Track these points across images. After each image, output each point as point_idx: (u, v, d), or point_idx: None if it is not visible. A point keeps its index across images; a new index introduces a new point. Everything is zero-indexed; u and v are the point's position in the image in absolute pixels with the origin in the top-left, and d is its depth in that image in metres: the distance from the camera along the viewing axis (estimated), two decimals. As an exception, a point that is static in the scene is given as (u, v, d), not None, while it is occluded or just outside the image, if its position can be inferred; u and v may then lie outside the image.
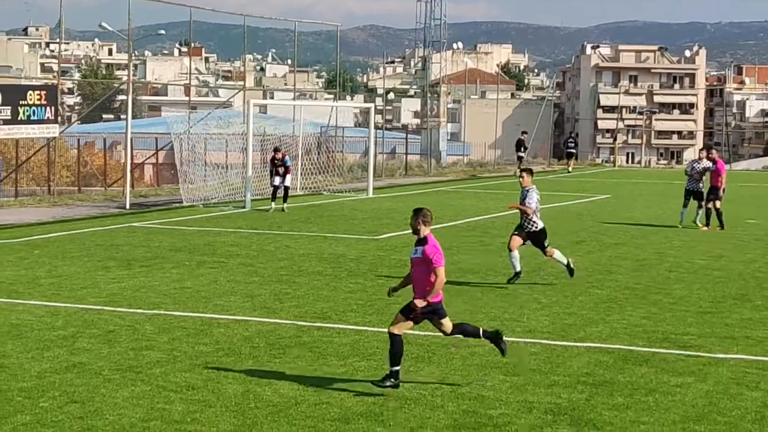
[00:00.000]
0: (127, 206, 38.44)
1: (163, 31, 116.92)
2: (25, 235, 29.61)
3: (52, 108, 40.34)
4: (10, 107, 38.29)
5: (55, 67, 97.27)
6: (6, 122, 38.29)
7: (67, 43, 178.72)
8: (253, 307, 18.56)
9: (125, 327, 16.63)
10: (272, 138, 45.40)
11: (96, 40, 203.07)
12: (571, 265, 21.64)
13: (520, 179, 21.57)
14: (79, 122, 79.75)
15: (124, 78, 71.38)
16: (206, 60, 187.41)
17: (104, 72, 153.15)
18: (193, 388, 13.04)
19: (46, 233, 30.20)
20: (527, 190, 21.34)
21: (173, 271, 22.72)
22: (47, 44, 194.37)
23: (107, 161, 56.40)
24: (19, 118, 38.75)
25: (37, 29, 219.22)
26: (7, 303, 18.71)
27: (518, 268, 21.32)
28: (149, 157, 56.34)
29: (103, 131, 74.76)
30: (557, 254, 21.65)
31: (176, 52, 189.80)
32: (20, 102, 38.92)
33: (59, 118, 42.13)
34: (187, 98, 58.67)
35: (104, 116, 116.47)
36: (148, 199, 42.68)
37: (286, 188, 37.75)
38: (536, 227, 21.40)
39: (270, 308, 18.48)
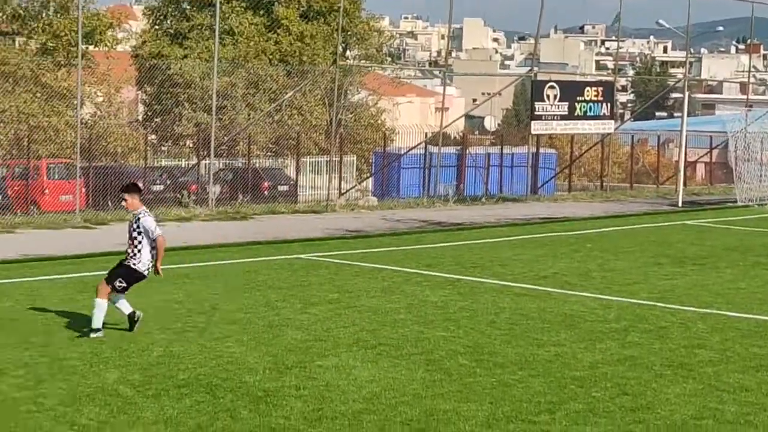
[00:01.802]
0: (680, 204, 38.17)
1: (721, 28, 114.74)
2: (578, 229, 30.17)
3: (608, 105, 40.84)
4: (567, 103, 39.19)
5: (610, 65, 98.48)
6: (563, 117, 39.23)
7: (623, 41, 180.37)
8: (811, 312, 17.76)
9: (677, 324, 16.44)
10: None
11: (651, 37, 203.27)
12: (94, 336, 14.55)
13: (124, 203, 14.88)
14: (632, 119, 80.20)
15: (679, 76, 70.91)
16: (764, 57, 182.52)
17: (658, 69, 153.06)
18: (747, 390, 12.63)
19: (598, 228, 30.61)
20: (139, 216, 14.75)
21: (727, 271, 22.23)
22: (602, 42, 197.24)
23: (659, 159, 56.26)
24: (575, 114, 39.57)
25: (593, 27, 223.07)
26: (560, 293, 19.10)
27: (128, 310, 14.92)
28: (702, 156, 55.60)
29: (656, 129, 74.71)
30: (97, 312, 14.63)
31: (733, 49, 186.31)
32: (577, 98, 39.72)
33: (614, 115, 42.52)
34: (743, 96, 57.28)
35: (657, 114, 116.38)
36: (701, 198, 42.22)
37: None
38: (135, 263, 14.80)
39: (829, 314, 17.61)
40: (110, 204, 33.14)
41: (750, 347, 14.92)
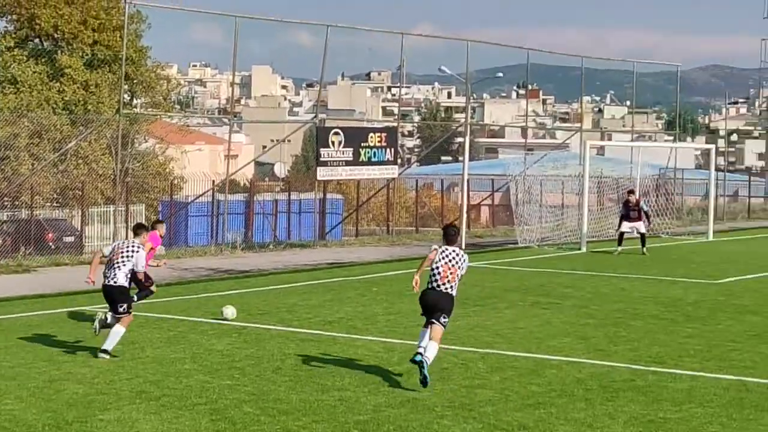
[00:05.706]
0: (463, 246, 38.91)
1: (501, 74, 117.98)
2: (364, 273, 30.49)
3: (392, 150, 41.50)
4: (351, 149, 39.69)
5: (396, 111, 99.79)
6: (348, 163, 39.68)
7: (408, 87, 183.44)
8: (587, 349, 18.38)
9: (458, 365, 16.81)
10: (609, 180, 45.11)
11: (435, 83, 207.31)
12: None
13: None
14: (418, 164, 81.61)
15: (462, 120, 72.52)
16: (544, 102, 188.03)
17: (443, 115, 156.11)
18: (525, 428, 13.01)
19: (384, 271, 31.00)
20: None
21: (507, 311, 22.83)
22: (389, 88, 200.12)
23: (444, 202, 57.32)
24: (360, 160, 40.09)
25: (379, 74, 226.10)
26: (345, 338, 19.29)
27: None
28: (485, 199, 56.88)
29: (441, 173, 76.15)
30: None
31: (514, 94, 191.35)
32: (362, 144, 40.27)
33: (399, 160, 43.21)
34: (523, 140, 59.06)
35: (442, 158, 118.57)
36: (484, 240, 43.16)
37: (642, 234, 36.71)
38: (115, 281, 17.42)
39: (603, 351, 18.25)
40: None
41: (528, 385, 15.36)
